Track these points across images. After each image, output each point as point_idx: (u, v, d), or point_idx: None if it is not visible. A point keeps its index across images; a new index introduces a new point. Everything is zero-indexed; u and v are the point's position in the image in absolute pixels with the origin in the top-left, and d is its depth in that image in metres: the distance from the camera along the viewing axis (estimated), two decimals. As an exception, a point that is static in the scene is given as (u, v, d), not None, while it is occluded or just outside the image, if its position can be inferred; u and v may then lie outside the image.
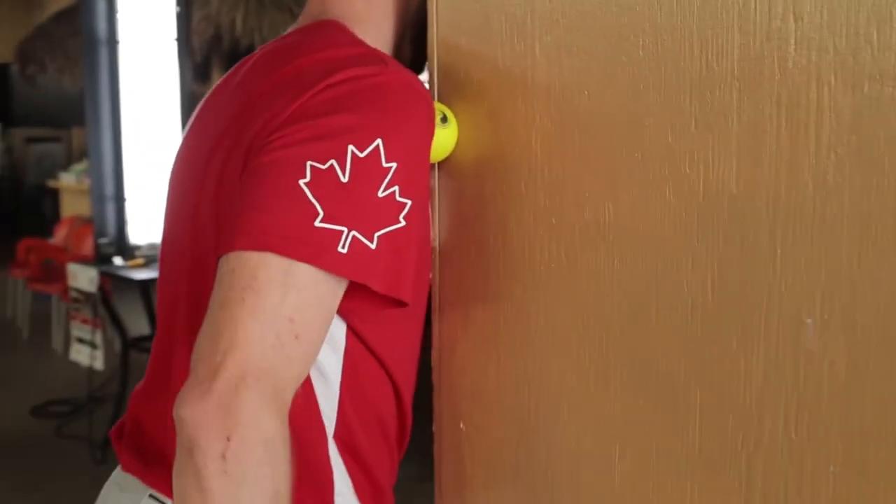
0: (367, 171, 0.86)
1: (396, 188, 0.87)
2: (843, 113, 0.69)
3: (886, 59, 0.66)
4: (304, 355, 0.85)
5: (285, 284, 0.83)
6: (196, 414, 0.79)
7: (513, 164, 0.95)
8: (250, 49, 6.41)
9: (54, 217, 9.64)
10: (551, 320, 0.94)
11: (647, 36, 0.80)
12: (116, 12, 4.65)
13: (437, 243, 1.05)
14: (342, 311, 0.93)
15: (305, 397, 1.01)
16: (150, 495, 1.08)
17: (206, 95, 1.16)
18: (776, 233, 0.73)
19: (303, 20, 1.11)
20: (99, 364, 4.80)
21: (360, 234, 0.85)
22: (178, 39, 4.64)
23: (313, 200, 0.84)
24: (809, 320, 0.72)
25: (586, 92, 0.86)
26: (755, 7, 0.73)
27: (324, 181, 0.84)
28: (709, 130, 0.77)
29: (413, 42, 1.10)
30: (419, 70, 1.10)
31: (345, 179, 0.84)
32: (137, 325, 5.07)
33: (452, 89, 1.01)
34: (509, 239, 0.96)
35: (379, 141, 0.86)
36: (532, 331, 0.96)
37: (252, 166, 0.88)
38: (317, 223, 0.84)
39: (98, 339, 4.75)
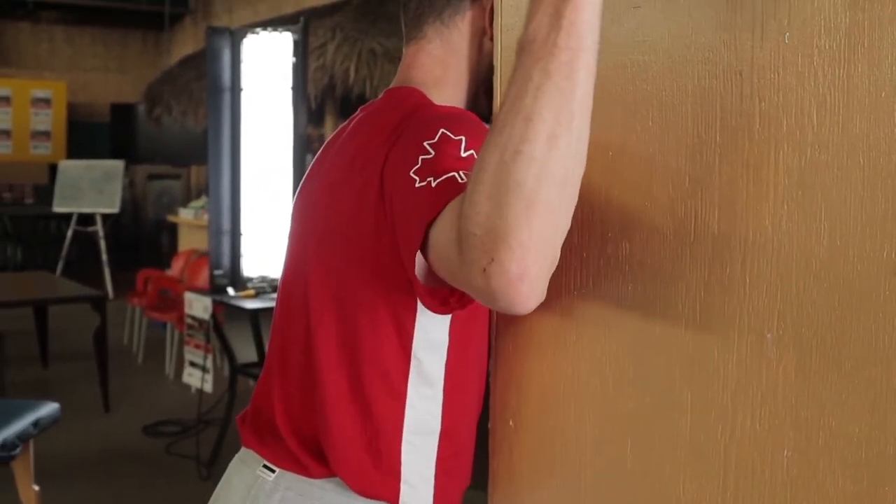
0: (444, 145, 1.11)
1: (473, 151, 1.11)
2: (793, 172, 0.90)
3: (823, 133, 0.87)
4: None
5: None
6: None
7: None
8: (361, 96, 6.76)
9: (171, 250, 10.15)
10: (581, 335, 1.16)
11: (653, 110, 1.03)
12: (241, 62, 5.02)
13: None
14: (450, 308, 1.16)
15: (392, 393, 1.26)
16: (264, 465, 1.34)
17: (323, 147, 1.43)
18: (746, 265, 0.94)
19: (393, 85, 1.37)
20: (209, 387, 5.12)
21: (465, 171, 1.08)
22: (294, 87, 4.97)
23: (427, 181, 1.08)
24: (769, 334, 0.93)
25: (610, 152, 1.09)
26: (732, 90, 0.95)
27: (424, 169, 1.10)
28: (698, 185, 0.99)
29: (486, 95, 1.35)
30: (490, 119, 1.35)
31: (432, 155, 1.10)
32: (245, 352, 5.38)
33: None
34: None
35: (441, 129, 1.11)
36: (568, 343, 1.18)
37: (387, 184, 1.14)
38: (434, 184, 1.08)
39: (209, 363, 5.08)
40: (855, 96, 0.85)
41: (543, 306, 1.11)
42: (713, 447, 0.99)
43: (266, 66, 5.04)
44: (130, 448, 5.34)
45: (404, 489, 1.29)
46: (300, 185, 1.44)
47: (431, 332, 1.26)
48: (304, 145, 5.02)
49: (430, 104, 1.26)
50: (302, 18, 5.03)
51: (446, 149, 1.09)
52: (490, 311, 1.29)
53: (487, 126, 1.17)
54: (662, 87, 1.03)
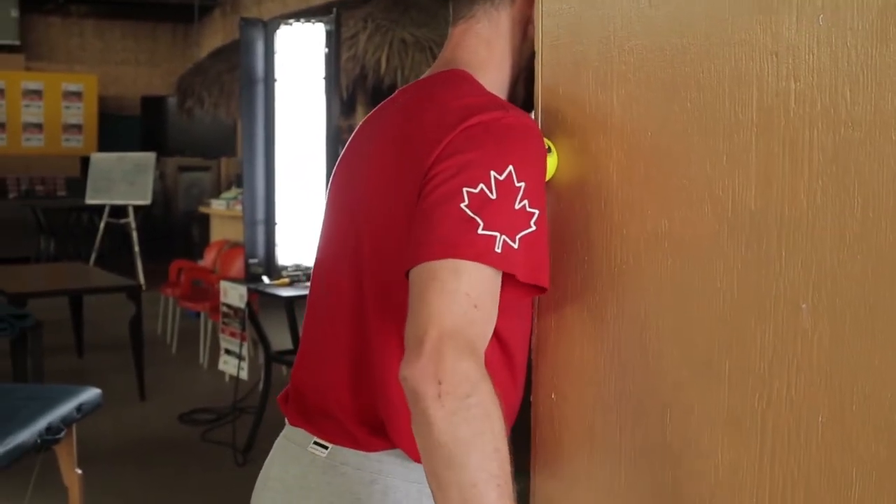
0: (506, 189, 1.15)
1: (527, 201, 1.16)
2: (827, 150, 0.94)
3: (856, 111, 0.91)
4: (483, 318, 1.15)
5: (460, 275, 1.13)
6: (414, 372, 1.09)
7: (595, 187, 1.22)
8: (392, 86, 6.80)
9: (203, 241, 10.23)
10: (622, 310, 1.20)
11: (692, 91, 1.07)
12: (274, 53, 5.08)
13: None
14: None
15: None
16: (315, 442, 1.39)
17: (356, 131, 1.47)
18: (782, 239, 0.99)
19: (437, 65, 1.41)
20: (244, 374, 5.20)
21: (508, 237, 1.14)
22: (327, 78, 5.03)
23: (473, 216, 1.14)
24: (804, 305, 0.97)
25: (649, 133, 1.13)
26: (768, 70, 0.99)
27: (478, 201, 1.14)
28: (735, 164, 1.03)
29: (525, 83, 1.40)
30: (530, 105, 1.39)
31: (493, 197, 1.14)
32: (280, 339, 5.45)
33: (553, 126, 1.29)
34: (592, 246, 1.24)
35: (511, 167, 1.15)
36: (609, 318, 1.22)
37: (425, 198, 1.19)
38: (479, 231, 1.14)
39: (245, 351, 5.15)
40: (887, 75, 0.89)
41: (584, 283, 1.16)
42: (751, 414, 1.04)
43: (299, 57, 5.10)
44: (167, 435, 5.42)
45: None
46: (336, 167, 1.48)
47: None
48: (337, 135, 5.08)
49: (484, 93, 1.30)
50: (335, 9, 5.08)
51: (506, 195, 1.15)
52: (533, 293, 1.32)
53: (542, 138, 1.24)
54: (700, 68, 1.07)
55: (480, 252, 1.13)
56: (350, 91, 6.86)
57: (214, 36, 12.89)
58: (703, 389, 1.09)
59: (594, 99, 1.22)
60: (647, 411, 1.18)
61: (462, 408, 1.07)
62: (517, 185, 1.16)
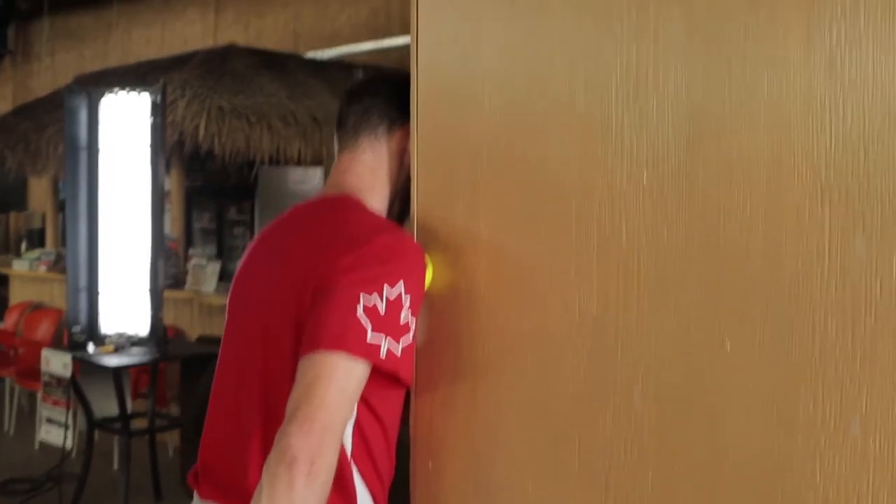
0: (396, 302, 1.42)
1: (409, 313, 1.43)
2: (651, 272, 1.25)
3: (671, 244, 1.22)
4: (351, 406, 1.42)
5: (348, 371, 1.39)
6: (300, 443, 1.32)
7: (465, 293, 1.50)
8: (210, 152, 6.92)
9: (2, 303, 9.80)
10: (489, 395, 1.48)
11: (547, 223, 1.37)
12: (98, 122, 5.13)
13: (417, 344, 1.59)
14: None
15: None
16: None
17: (256, 245, 1.70)
18: (618, 338, 1.29)
19: (328, 189, 1.66)
20: (69, 443, 5.15)
21: (392, 342, 1.41)
22: (153, 146, 5.13)
23: (365, 321, 1.39)
24: (636, 386, 1.27)
25: (512, 252, 1.42)
26: (605, 212, 1.29)
27: (370, 309, 1.41)
28: (581, 279, 1.33)
29: (400, 203, 1.68)
30: (404, 219, 1.67)
31: (382, 308, 1.40)
32: (104, 406, 5.40)
33: (428, 242, 1.56)
34: (463, 342, 1.51)
35: (401, 282, 1.42)
36: (478, 401, 1.49)
37: (323, 296, 1.42)
38: (368, 337, 1.40)
39: (69, 420, 5.11)
40: (695, 216, 1.21)
41: (457, 372, 1.43)
42: (596, 476, 1.33)
43: (123, 124, 5.17)
44: (-19, 509, 5.27)
45: None
46: (238, 275, 1.70)
47: None
48: (162, 202, 5.17)
49: (378, 217, 1.57)
50: (162, 80, 5.21)
51: (395, 307, 1.42)
52: (411, 378, 1.57)
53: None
54: (553, 206, 1.37)
55: (369, 352, 1.41)
56: (167, 156, 6.91)
57: (5, 85, 12.54)
58: (558, 458, 1.37)
59: (463, 220, 1.50)
60: (511, 480, 1.45)
61: (318, 486, 1.33)
62: (404, 299, 1.43)
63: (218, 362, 1.71)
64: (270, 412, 1.54)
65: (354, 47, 8.60)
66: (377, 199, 1.63)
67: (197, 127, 6.52)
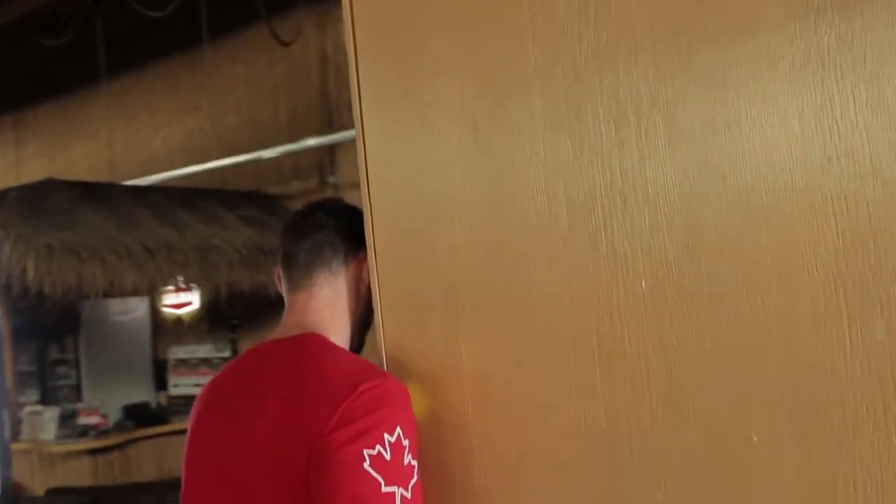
0: (398, 448, 1.36)
1: (411, 455, 1.37)
2: (661, 380, 1.24)
3: (678, 355, 1.23)
4: None
5: None
6: None
7: (449, 421, 1.46)
8: (40, 293, 6.57)
9: None
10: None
11: (545, 344, 1.35)
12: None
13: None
14: None
15: None
16: None
17: (209, 393, 1.60)
18: (633, 452, 1.27)
19: (287, 328, 1.58)
20: None
21: (403, 489, 1.33)
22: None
23: (376, 476, 1.32)
24: (659, 495, 1.25)
25: (503, 375, 1.39)
26: (605, 324, 1.29)
27: (378, 462, 1.33)
28: (583, 394, 1.31)
29: (359, 333, 1.63)
30: (361, 348, 1.63)
31: (388, 457, 1.33)
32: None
33: (401, 375, 1.50)
34: (448, 467, 1.46)
35: (399, 428, 1.36)
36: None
37: (325, 461, 1.35)
38: (382, 489, 1.32)
39: None
40: (694, 328, 1.22)
41: (442, 497, 1.39)
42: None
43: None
44: None
45: None
46: (194, 427, 1.59)
47: None
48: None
49: (357, 359, 1.50)
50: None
51: (398, 453, 1.37)
52: None
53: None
54: (549, 326, 1.35)
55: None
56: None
57: None
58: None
59: (442, 347, 1.46)
60: None
61: None
62: (404, 443, 1.37)
63: None
64: None
65: (174, 172, 8.41)
66: (338, 336, 1.57)
67: (24, 268, 6.18)
